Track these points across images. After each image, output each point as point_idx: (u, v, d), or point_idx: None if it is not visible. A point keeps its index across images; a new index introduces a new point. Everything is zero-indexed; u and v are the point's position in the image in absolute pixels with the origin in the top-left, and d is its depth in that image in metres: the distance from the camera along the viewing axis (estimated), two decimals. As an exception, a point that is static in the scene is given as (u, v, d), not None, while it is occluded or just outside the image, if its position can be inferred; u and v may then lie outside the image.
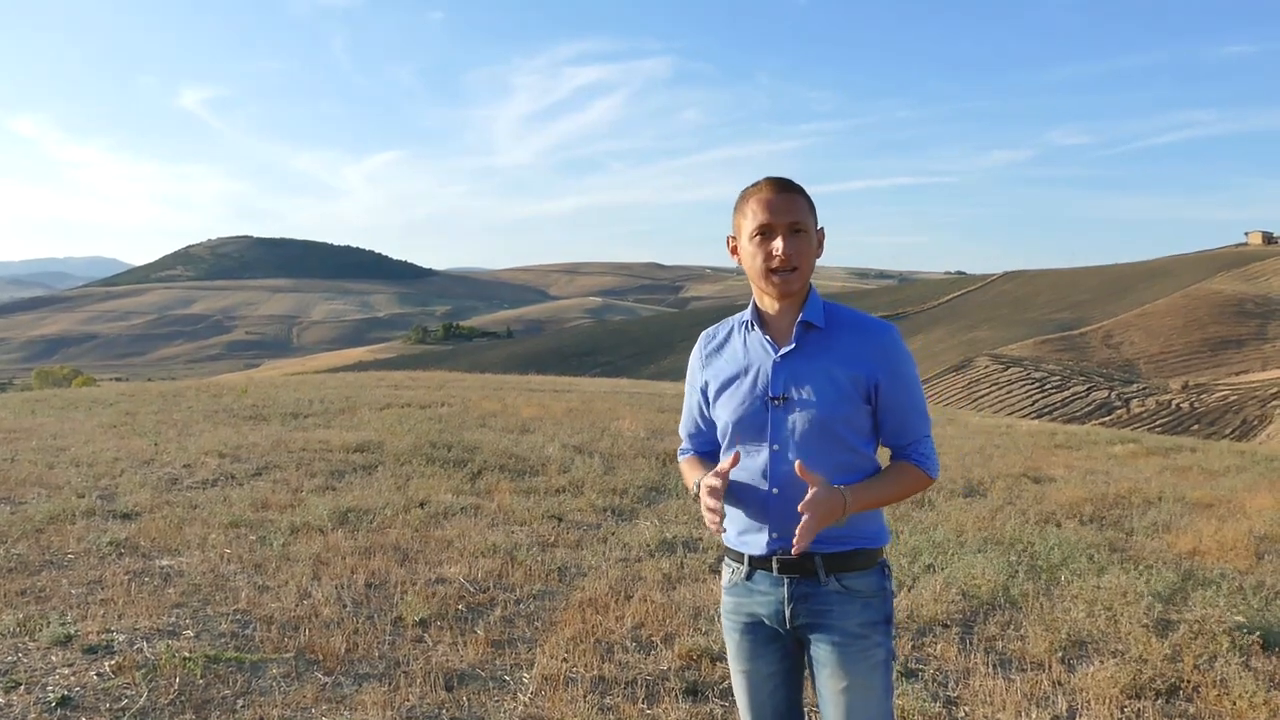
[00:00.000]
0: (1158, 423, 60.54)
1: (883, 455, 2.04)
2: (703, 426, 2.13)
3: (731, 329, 2.08)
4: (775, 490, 1.94)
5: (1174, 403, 68.05)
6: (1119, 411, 66.42)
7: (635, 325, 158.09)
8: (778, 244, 1.92)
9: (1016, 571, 4.83)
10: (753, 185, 1.98)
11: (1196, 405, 67.10)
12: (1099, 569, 4.96)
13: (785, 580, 1.96)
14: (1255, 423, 61.68)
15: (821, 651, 1.96)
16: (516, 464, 7.74)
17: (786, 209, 1.93)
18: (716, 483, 1.91)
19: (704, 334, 2.13)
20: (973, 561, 4.93)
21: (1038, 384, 73.80)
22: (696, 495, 1.99)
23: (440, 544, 5.22)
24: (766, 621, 2.01)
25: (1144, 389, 72.52)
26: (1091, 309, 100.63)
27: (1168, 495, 7.46)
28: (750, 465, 1.97)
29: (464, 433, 9.44)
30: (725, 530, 1.99)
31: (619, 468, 7.78)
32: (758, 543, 1.98)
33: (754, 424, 1.96)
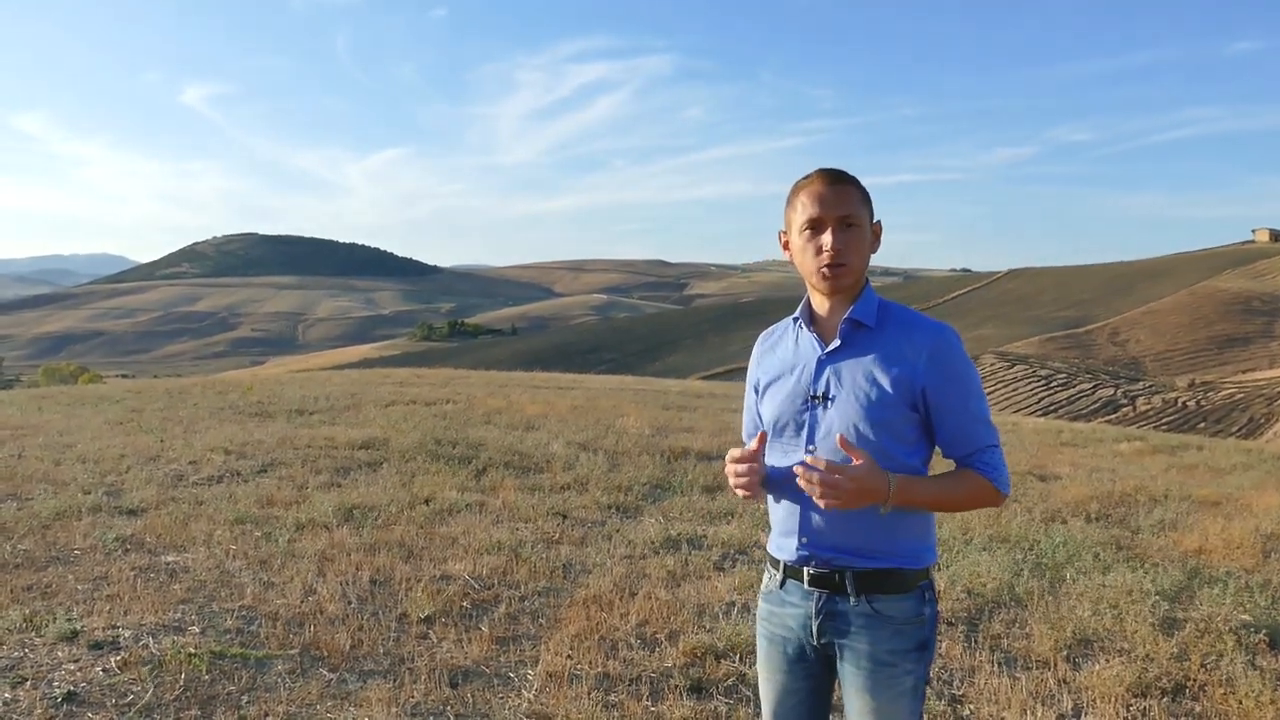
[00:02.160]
0: (1164, 420, 60.39)
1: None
2: (761, 426, 2.05)
3: (786, 327, 2.03)
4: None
5: (1180, 400, 67.87)
6: (1125, 409, 66.26)
7: (640, 323, 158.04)
8: (826, 238, 1.85)
9: (1022, 570, 4.82)
10: (804, 178, 1.91)
11: (1203, 403, 66.92)
12: (1104, 567, 4.95)
13: (815, 594, 1.90)
14: (1262, 420, 61.50)
15: (847, 672, 1.90)
16: (521, 461, 7.74)
17: (837, 202, 1.85)
18: (738, 452, 1.88)
19: (763, 333, 2.09)
20: (978, 560, 4.92)
21: (1043, 382, 73.65)
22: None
23: (445, 541, 5.23)
24: (796, 635, 1.95)
25: (1150, 387, 72.34)
26: (1097, 306, 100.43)
27: (1174, 493, 7.43)
28: (788, 465, 1.91)
29: (469, 430, 9.44)
30: (749, 496, 1.91)
31: (623, 465, 7.78)
32: (789, 547, 1.93)
33: (794, 422, 1.92)
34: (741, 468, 1.87)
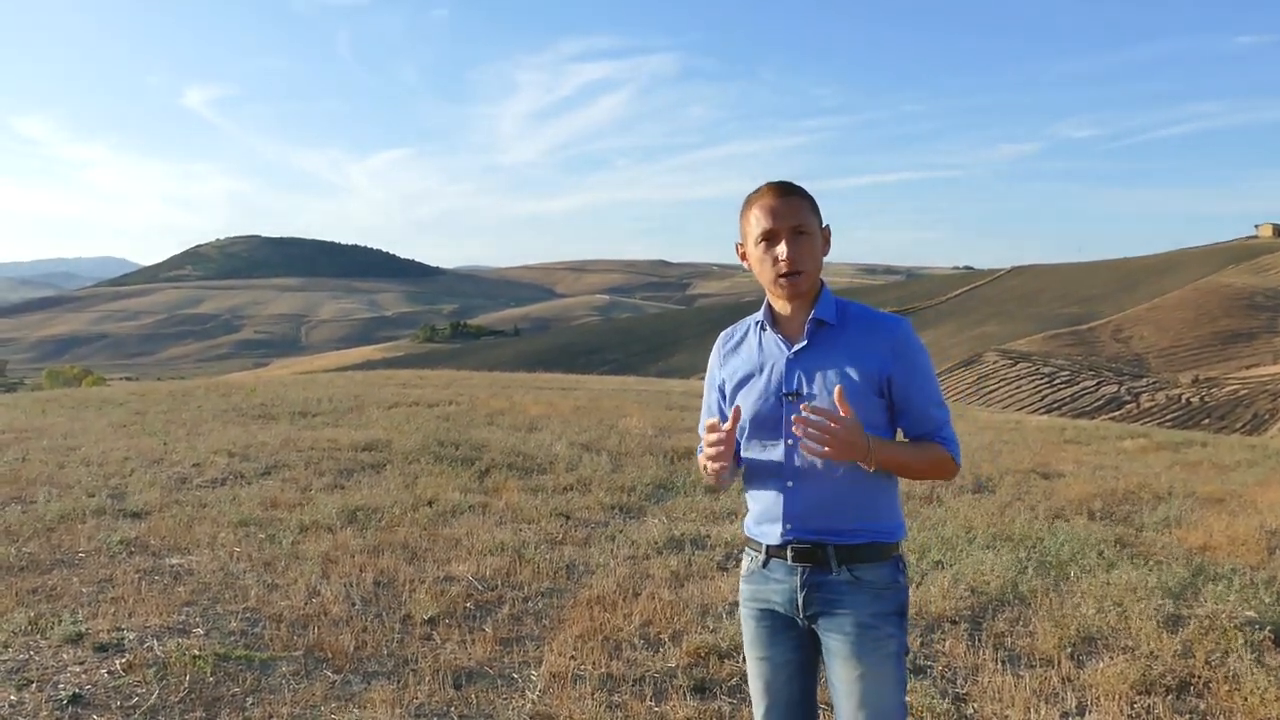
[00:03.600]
0: (1168, 417, 60.31)
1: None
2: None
3: (748, 329, 2.13)
4: (790, 483, 1.99)
5: (1184, 397, 67.77)
6: (1129, 406, 66.16)
7: (642, 323, 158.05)
8: (782, 249, 1.97)
9: (1025, 567, 4.81)
10: (755, 191, 2.03)
11: (1207, 399, 66.81)
12: (1108, 565, 4.94)
13: (799, 569, 2.00)
14: (1266, 416, 61.38)
15: (834, 641, 1.98)
16: (524, 462, 7.74)
17: (788, 213, 1.97)
18: (712, 436, 1.95)
19: (723, 334, 2.19)
20: (981, 558, 4.92)
21: (1047, 379, 73.57)
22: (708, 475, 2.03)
23: (448, 542, 5.23)
24: (781, 610, 2.04)
25: (1154, 383, 72.22)
26: (1100, 303, 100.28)
27: (1178, 490, 7.42)
28: (768, 459, 2.02)
29: (471, 431, 9.46)
30: (724, 479, 2.02)
31: (626, 465, 7.78)
32: (773, 533, 2.03)
33: (770, 420, 2.01)
34: (713, 436, 1.96)
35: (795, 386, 2.00)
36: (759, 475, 2.05)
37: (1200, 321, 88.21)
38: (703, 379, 2.32)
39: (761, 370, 2.04)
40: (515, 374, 22.38)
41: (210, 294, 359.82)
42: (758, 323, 2.10)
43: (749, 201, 2.02)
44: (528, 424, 10.35)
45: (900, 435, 2.07)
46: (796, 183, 2.02)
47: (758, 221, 1.99)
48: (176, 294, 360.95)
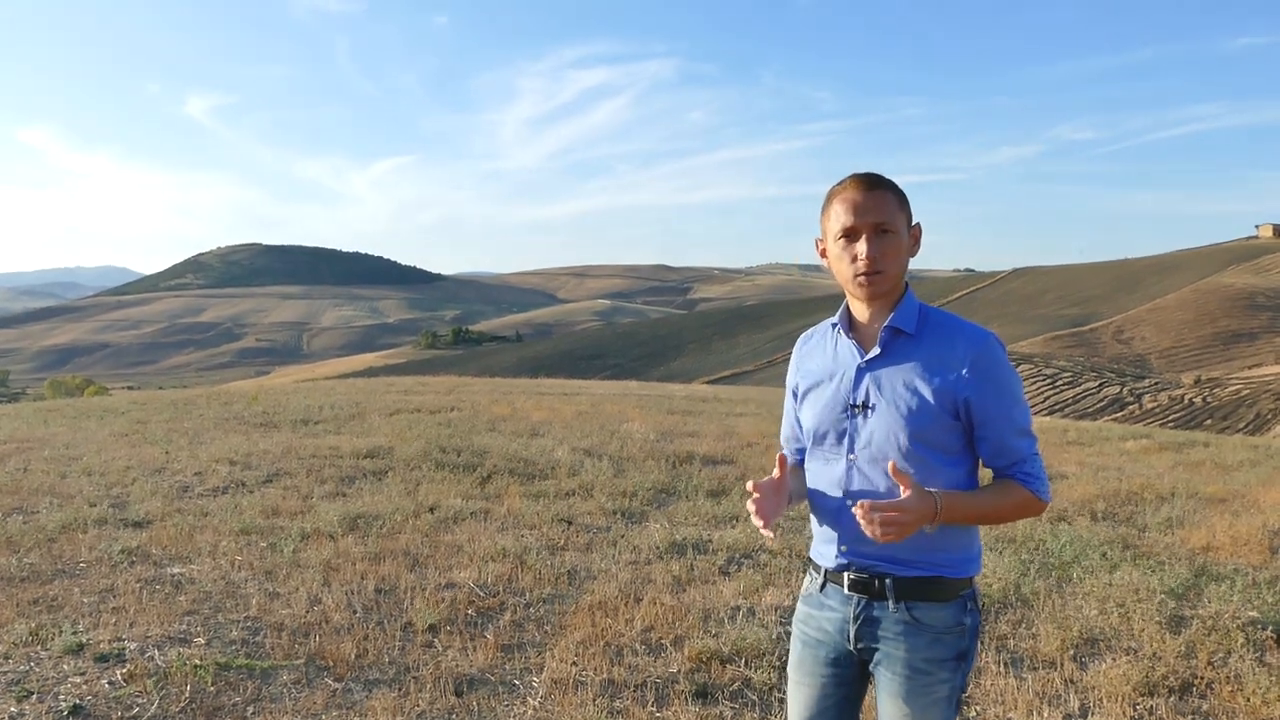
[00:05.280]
0: (1170, 418, 60.27)
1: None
2: (799, 432, 2.04)
3: (825, 332, 2.01)
4: (849, 502, 1.85)
5: (1186, 397, 67.71)
6: (1131, 407, 66.13)
7: (644, 327, 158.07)
8: (861, 246, 1.82)
9: (1028, 570, 4.81)
10: (838, 184, 1.88)
11: (1209, 400, 66.75)
12: (1111, 566, 4.93)
13: (854, 599, 1.89)
14: (1269, 416, 61.30)
15: (883, 676, 1.89)
16: (526, 468, 7.74)
17: (872, 208, 1.82)
18: (755, 494, 1.86)
19: (801, 336, 2.08)
20: (984, 560, 4.90)
21: (1049, 380, 73.53)
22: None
23: (450, 549, 5.23)
24: (832, 640, 1.94)
25: (1156, 384, 72.18)
26: (1102, 304, 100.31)
27: (1180, 491, 7.41)
28: (828, 474, 1.91)
29: (473, 437, 9.45)
30: (773, 534, 1.91)
31: (628, 470, 7.77)
32: (829, 554, 1.93)
33: (834, 431, 1.90)
34: (750, 505, 1.87)
35: (863, 398, 1.86)
36: (819, 490, 1.93)
37: (1201, 322, 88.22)
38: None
39: (832, 378, 1.92)
40: (517, 379, 22.39)
41: (212, 302, 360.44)
42: (834, 325, 1.97)
43: (831, 195, 1.87)
44: (530, 429, 10.34)
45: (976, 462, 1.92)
46: (886, 175, 1.86)
47: (838, 217, 1.84)
48: (178, 303, 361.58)
